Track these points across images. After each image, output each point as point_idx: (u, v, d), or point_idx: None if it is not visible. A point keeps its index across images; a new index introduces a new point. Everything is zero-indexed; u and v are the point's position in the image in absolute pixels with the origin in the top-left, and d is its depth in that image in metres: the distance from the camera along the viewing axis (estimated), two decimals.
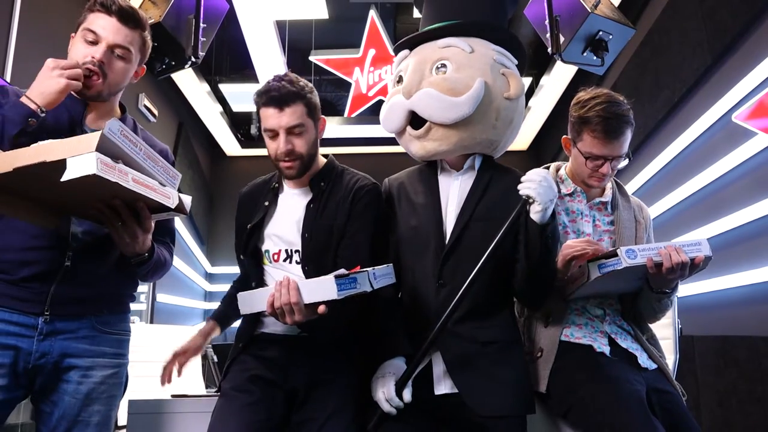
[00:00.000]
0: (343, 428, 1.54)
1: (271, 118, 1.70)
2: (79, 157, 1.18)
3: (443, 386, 1.63)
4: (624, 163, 1.88)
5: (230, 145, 7.81)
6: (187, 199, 1.42)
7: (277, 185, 1.84)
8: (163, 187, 1.35)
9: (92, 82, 1.52)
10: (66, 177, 1.17)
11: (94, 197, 1.33)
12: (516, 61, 1.90)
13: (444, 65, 1.78)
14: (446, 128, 1.75)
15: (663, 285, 1.73)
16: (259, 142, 7.65)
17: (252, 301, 1.52)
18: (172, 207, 1.37)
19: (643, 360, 1.79)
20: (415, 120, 1.80)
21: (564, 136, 1.91)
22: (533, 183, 1.59)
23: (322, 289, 1.37)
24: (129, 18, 1.57)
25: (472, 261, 1.63)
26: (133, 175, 1.26)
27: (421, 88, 1.76)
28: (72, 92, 1.51)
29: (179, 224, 6.57)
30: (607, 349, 1.76)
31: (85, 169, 1.16)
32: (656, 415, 1.64)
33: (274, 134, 1.72)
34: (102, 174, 1.17)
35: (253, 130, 7.66)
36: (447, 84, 1.73)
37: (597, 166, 1.83)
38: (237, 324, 1.86)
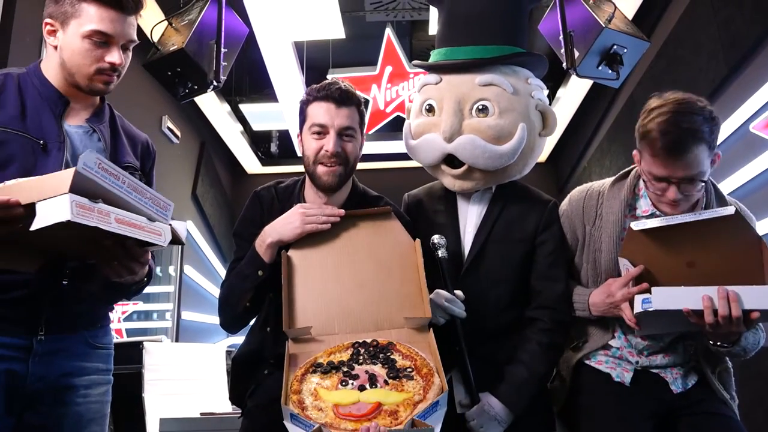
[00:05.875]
0: None
1: (325, 113, 1.60)
2: (50, 201, 1.02)
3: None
4: (699, 188, 1.56)
5: (251, 164, 7.89)
6: (182, 227, 1.28)
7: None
8: (152, 223, 1.18)
9: (110, 87, 1.44)
10: (36, 226, 1.02)
11: (77, 237, 1.16)
12: (546, 88, 1.87)
13: (485, 107, 1.71)
14: (485, 171, 1.73)
15: (716, 338, 1.51)
16: (279, 160, 7.78)
17: None
18: (164, 245, 1.20)
19: (677, 384, 1.65)
20: (451, 156, 1.75)
21: (635, 150, 1.65)
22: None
23: None
24: (130, 6, 1.41)
25: (489, 282, 1.69)
26: (116, 215, 1.10)
27: (463, 133, 1.71)
28: (65, 87, 1.43)
29: (202, 242, 6.66)
30: (627, 377, 1.66)
31: (57, 216, 1.01)
32: None
33: (323, 132, 1.61)
34: (78, 220, 1.01)
35: (273, 148, 7.77)
36: (491, 132, 1.69)
37: (661, 189, 1.56)
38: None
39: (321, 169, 1.62)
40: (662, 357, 1.67)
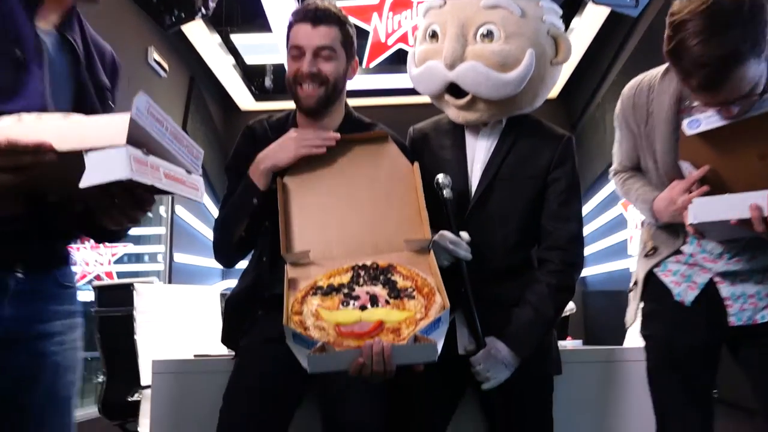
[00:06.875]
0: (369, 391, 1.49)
1: (301, 34, 1.62)
2: (104, 153, 0.87)
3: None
4: (757, 96, 1.37)
5: (244, 99, 7.67)
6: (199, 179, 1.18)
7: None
8: (189, 175, 1.07)
9: None
10: (88, 183, 0.86)
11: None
12: (560, 11, 1.77)
13: (490, 32, 1.64)
14: (490, 101, 1.67)
15: None
16: (274, 95, 7.51)
17: (326, 362, 1.23)
18: (201, 200, 1.11)
19: (738, 317, 1.53)
20: (455, 86, 1.69)
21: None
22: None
23: (420, 352, 1.22)
24: None
25: (497, 220, 1.67)
26: (164, 169, 0.97)
27: (466, 59, 1.64)
28: None
29: None
30: (690, 296, 1.57)
31: (115, 172, 0.86)
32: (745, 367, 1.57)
33: (300, 53, 1.63)
34: (137, 177, 0.88)
35: (268, 83, 7.51)
36: (496, 59, 1.62)
37: (715, 110, 1.42)
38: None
39: (300, 92, 1.64)
40: (747, 260, 1.51)
